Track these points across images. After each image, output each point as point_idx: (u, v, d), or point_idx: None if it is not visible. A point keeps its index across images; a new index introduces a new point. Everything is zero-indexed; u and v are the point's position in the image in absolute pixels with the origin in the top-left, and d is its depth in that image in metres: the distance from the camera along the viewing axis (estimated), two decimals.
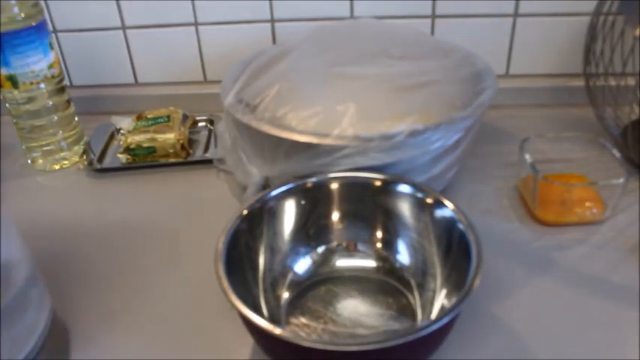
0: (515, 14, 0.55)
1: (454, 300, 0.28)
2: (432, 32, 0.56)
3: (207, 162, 0.50)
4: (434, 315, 0.33)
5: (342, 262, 0.38)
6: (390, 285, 0.36)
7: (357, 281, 0.37)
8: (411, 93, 0.40)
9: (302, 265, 0.37)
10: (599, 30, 0.47)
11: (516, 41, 0.56)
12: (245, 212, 0.34)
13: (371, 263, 0.38)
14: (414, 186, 0.36)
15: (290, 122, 0.39)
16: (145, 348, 0.34)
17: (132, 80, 0.62)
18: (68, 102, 0.53)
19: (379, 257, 0.38)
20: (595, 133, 0.46)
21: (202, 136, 0.55)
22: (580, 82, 0.51)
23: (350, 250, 0.38)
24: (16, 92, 0.49)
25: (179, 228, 0.44)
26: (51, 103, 0.50)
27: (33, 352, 0.29)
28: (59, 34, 0.59)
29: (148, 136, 0.51)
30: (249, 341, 0.33)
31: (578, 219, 0.42)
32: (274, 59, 0.45)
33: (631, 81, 0.47)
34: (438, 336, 0.29)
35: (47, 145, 0.52)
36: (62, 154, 0.53)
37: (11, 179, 0.52)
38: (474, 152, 0.45)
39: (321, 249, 0.38)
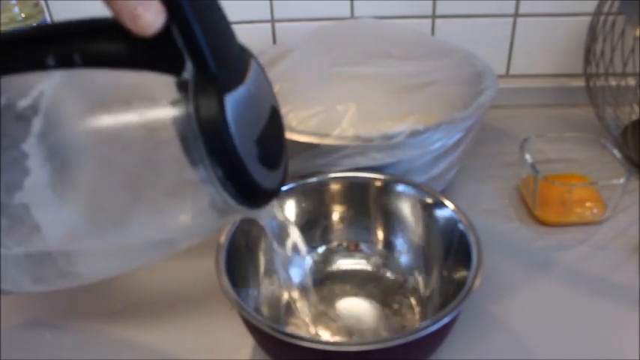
0: (516, 14, 0.55)
1: (454, 300, 0.28)
2: (433, 32, 0.56)
3: None
4: (434, 315, 0.33)
5: (342, 262, 0.38)
6: (390, 285, 0.36)
7: (357, 281, 0.37)
8: (412, 93, 0.40)
9: (300, 271, 0.37)
10: (599, 30, 0.47)
11: (517, 41, 0.56)
12: None
13: (371, 263, 0.38)
14: (415, 186, 0.36)
15: (290, 122, 0.39)
16: (145, 348, 0.34)
17: None
18: None
19: (379, 257, 0.38)
20: (595, 133, 0.46)
21: None
22: (580, 83, 0.51)
23: (350, 250, 0.38)
24: None
25: None
26: None
27: None
28: None
29: None
30: (249, 341, 0.33)
31: (579, 219, 0.42)
32: (274, 59, 0.45)
33: (631, 81, 0.47)
34: (438, 336, 0.29)
35: None
36: None
37: None
38: (474, 152, 0.45)
39: (321, 249, 0.38)
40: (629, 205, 0.43)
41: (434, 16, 0.55)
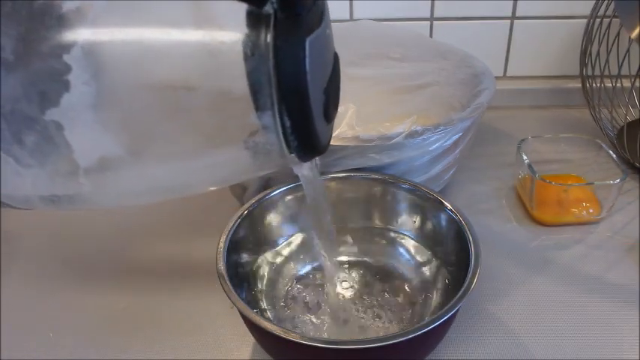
0: (513, 17, 0.55)
1: (452, 299, 0.28)
2: (431, 34, 0.57)
3: None
4: (432, 313, 0.33)
5: (341, 262, 0.38)
6: (389, 284, 0.37)
7: (356, 280, 0.37)
8: (410, 94, 0.41)
9: (302, 264, 0.38)
10: (595, 32, 0.47)
11: (514, 43, 0.57)
12: (245, 212, 0.34)
13: (370, 262, 0.38)
14: (413, 186, 0.37)
15: None
16: (145, 347, 0.34)
17: None
18: None
19: (378, 257, 0.38)
20: (591, 134, 0.47)
21: None
22: (577, 84, 0.52)
23: (349, 251, 0.39)
24: None
25: (179, 228, 0.44)
26: None
27: None
28: None
29: None
30: (250, 340, 0.34)
31: (575, 219, 0.42)
32: None
33: (626, 83, 0.47)
34: (435, 335, 0.30)
35: None
36: None
37: None
38: (472, 153, 0.45)
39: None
40: (624, 205, 0.44)
41: (432, 19, 0.56)
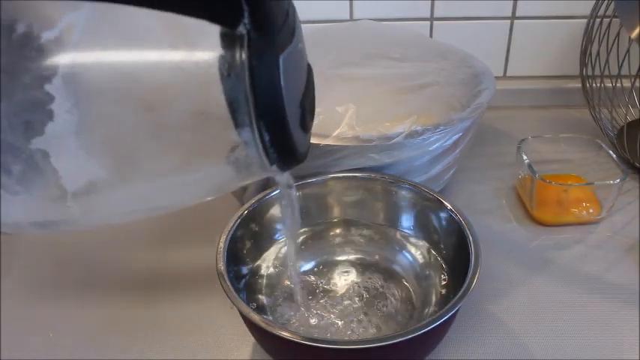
0: (513, 17, 0.55)
1: (452, 299, 0.28)
2: (431, 34, 0.57)
3: None
4: (432, 314, 0.33)
5: (341, 262, 0.38)
6: (389, 284, 0.37)
7: (356, 281, 0.37)
8: (410, 94, 0.41)
9: (302, 263, 0.38)
10: (595, 32, 0.47)
11: (514, 43, 0.57)
12: (245, 212, 0.34)
13: (370, 262, 0.38)
14: (413, 186, 0.37)
15: None
16: (145, 347, 0.34)
17: None
18: None
19: (378, 257, 0.38)
20: (591, 134, 0.47)
21: None
22: (577, 84, 0.52)
23: (349, 250, 0.39)
24: None
25: (180, 228, 0.44)
26: None
27: None
28: None
29: None
30: (249, 340, 0.34)
31: (575, 219, 0.42)
32: None
33: (626, 83, 0.47)
34: (435, 335, 0.30)
35: None
36: None
37: None
38: (472, 153, 0.45)
39: (321, 249, 0.38)
40: (624, 205, 0.44)
41: (432, 19, 0.56)
